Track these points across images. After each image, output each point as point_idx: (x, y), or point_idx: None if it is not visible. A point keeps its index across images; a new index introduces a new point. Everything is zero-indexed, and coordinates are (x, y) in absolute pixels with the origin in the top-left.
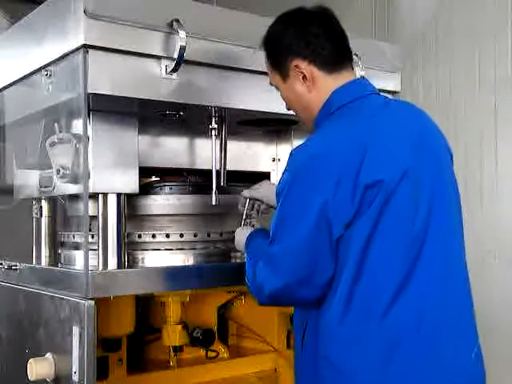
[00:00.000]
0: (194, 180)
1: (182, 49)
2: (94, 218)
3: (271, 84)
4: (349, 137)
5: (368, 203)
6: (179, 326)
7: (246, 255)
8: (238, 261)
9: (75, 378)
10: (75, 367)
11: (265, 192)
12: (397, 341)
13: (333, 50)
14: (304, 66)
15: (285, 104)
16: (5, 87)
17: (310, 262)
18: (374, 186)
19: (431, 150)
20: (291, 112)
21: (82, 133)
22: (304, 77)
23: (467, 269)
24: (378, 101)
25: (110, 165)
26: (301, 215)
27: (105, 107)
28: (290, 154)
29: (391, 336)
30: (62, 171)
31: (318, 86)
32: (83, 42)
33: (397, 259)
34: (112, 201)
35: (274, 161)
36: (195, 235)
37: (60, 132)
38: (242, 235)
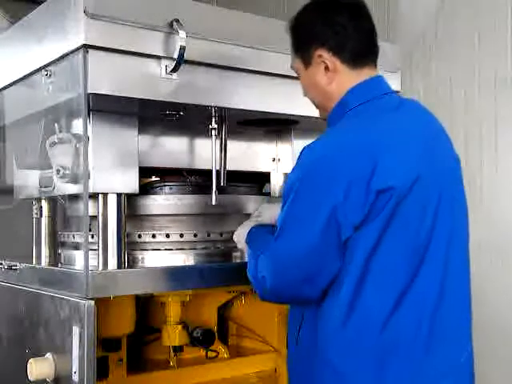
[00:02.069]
0: (194, 180)
1: (182, 49)
2: (93, 218)
3: (291, 68)
4: (361, 140)
5: (379, 208)
6: (179, 326)
7: (246, 247)
8: (238, 261)
9: (75, 377)
10: (75, 367)
11: (268, 214)
12: (395, 347)
13: (359, 44)
14: (328, 56)
15: (302, 91)
16: (5, 87)
17: (316, 262)
18: (386, 192)
19: (441, 157)
20: (291, 112)
21: (82, 133)
22: (326, 67)
23: (470, 277)
24: (392, 102)
25: (109, 165)
26: (310, 215)
27: (105, 107)
28: (303, 150)
29: (390, 342)
30: (61, 171)
31: (339, 78)
32: (83, 42)
33: (401, 265)
34: (112, 201)
35: (274, 161)
36: (195, 235)
37: (60, 132)
38: (243, 228)
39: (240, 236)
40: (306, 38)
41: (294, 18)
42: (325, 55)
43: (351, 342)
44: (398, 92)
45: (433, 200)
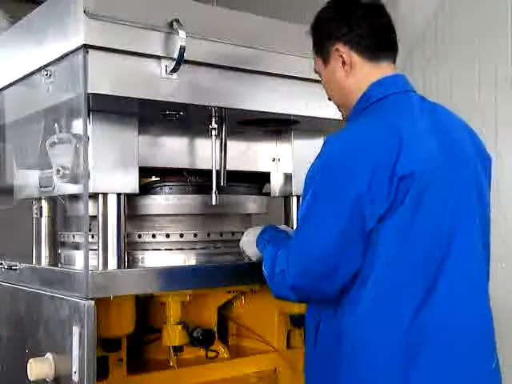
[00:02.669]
0: (194, 180)
1: (182, 49)
2: (93, 218)
3: (315, 71)
4: (385, 130)
5: (402, 196)
6: (179, 326)
7: (260, 247)
8: (238, 261)
9: (75, 378)
10: (75, 367)
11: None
12: (421, 344)
13: (374, 39)
14: (344, 50)
15: (326, 94)
16: (5, 87)
17: (340, 255)
18: (408, 178)
19: (462, 152)
20: (291, 112)
21: (82, 133)
22: (343, 62)
23: (488, 269)
24: (415, 99)
25: (109, 165)
26: (334, 206)
27: (105, 107)
28: (326, 141)
29: (416, 340)
30: (61, 171)
31: (356, 71)
32: (83, 42)
33: (428, 257)
34: (112, 201)
35: (274, 161)
36: (195, 235)
37: (60, 132)
38: (247, 236)
39: (245, 244)
40: (324, 35)
41: (314, 19)
42: (341, 49)
43: (378, 337)
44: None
45: (453, 192)
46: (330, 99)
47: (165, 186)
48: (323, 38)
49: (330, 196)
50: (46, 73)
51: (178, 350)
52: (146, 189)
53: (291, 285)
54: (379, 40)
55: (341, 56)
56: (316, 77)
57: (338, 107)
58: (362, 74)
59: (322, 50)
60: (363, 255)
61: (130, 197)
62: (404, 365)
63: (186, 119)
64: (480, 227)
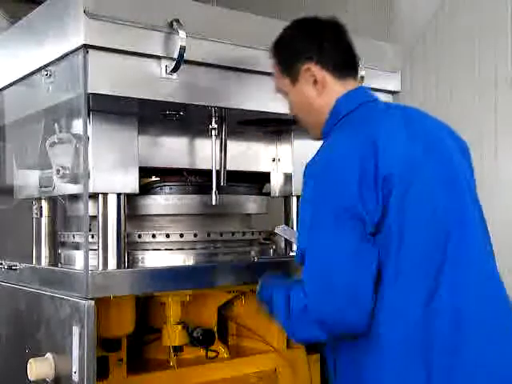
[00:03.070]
0: (194, 180)
1: (182, 49)
2: (93, 218)
3: (277, 90)
4: (361, 139)
5: (387, 200)
6: (179, 326)
7: (265, 300)
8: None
9: (75, 377)
10: (75, 367)
11: None
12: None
13: (342, 57)
14: (316, 69)
15: (289, 110)
16: (5, 87)
17: (355, 271)
18: (388, 181)
19: (440, 149)
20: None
21: (82, 133)
22: (315, 81)
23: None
24: (383, 105)
25: (109, 165)
26: (335, 223)
27: (105, 107)
28: (307, 165)
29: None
30: (61, 171)
31: (328, 90)
32: (83, 42)
33: (427, 256)
34: (112, 201)
35: (273, 161)
36: (195, 235)
37: (60, 132)
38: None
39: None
40: (292, 54)
41: (276, 39)
42: (313, 68)
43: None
44: (397, 92)
45: (440, 185)
46: (294, 116)
47: (165, 186)
48: (291, 57)
49: (328, 215)
50: (46, 73)
51: (177, 350)
52: (146, 189)
53: (316, 317)
54: (346, 58)
55: (313, 75)
56: None
57: (306, 127)
58: (332, 92)
59: (289, 69)
60: (377, 263)
61: (130, 197)
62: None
63: (186, 119)
64: (478, 215)
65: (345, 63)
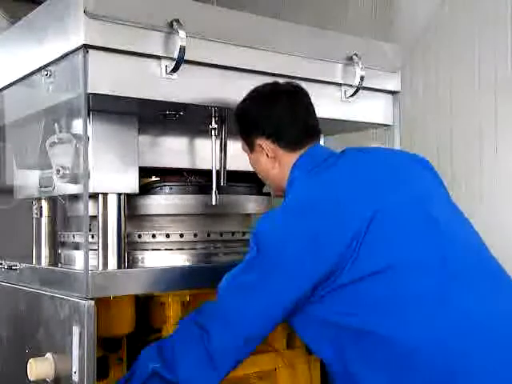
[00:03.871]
0: (194, 180)
1: (182, 49)
2: (93, 218)
3: (242, 149)
4: (322, 187)
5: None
6: None
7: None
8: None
9: (75, 377)
10: (75, 367)
11: None
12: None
13: (297, 130)
14: (267, 145)
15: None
16: (5, 87)
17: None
18: (361, 225)
19: (408, 184)
20: None
21: (82, 133)
22: (267, 154)
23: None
24: (333, 158)
25: (110, 165)
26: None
27: (105, 107)
28: (255, 233)
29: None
30: (61, 171)
31: (282, 163)
32: (83, 42)
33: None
34: (112, 201)
35: None
36: (195, 235)
37: (60, 132)
38: None
39: None
40: (247, 126)
41: (238, 105)
42: (264, 144)
43: None
44: (397, 92)
45: (418, 220)
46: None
47: (165, 186)
48: (247, 129)
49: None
50: (46, 73)
51: None
52: (146, 189)
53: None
54: (301, 130)
55: (265, 150)
56: (316, 77)
57: (268, 186)
58: (287, 163)
59: (246, 139)
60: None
61: (130, 197)
62: None
63: (185, 119)
64: (463, 221)
65: (300, 135)
